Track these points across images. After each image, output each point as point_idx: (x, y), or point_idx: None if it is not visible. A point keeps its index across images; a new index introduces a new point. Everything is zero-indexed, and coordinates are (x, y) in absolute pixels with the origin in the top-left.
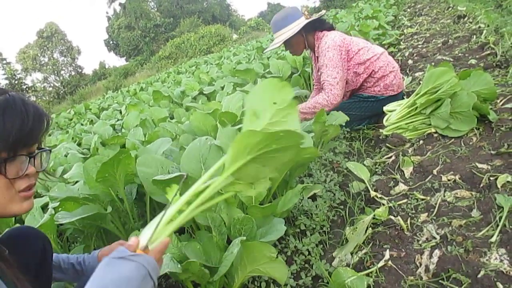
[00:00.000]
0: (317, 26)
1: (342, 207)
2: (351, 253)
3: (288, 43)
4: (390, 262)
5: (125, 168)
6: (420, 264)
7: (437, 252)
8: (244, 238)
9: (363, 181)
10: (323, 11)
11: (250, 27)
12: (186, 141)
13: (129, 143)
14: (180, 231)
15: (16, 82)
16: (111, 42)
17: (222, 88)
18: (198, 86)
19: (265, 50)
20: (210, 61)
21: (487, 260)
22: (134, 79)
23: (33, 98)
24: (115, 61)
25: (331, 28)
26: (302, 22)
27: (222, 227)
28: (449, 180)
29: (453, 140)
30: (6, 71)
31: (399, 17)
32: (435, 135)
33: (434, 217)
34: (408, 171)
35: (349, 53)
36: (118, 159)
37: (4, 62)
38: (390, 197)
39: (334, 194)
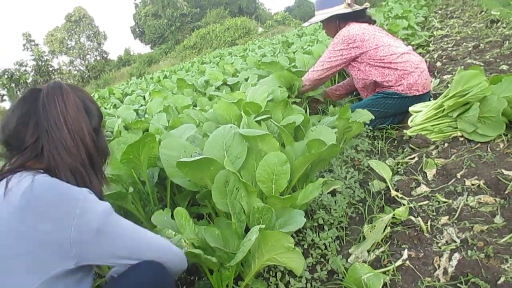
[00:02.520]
0: (353, 17)
1: (361, 204)
2: (368, 251)
3: (323, 24)
4: (407, 262)
5: (149, 151)
6: (439, 266)
7: (456, 256)
8: (263, 226)
9: (384, 180)
10: (367, 4)
11: (276, 21)
12: (210, 129)
13: (153, 128)
14: (198, 217)
15: (43, 63)
16: (137, 30)
17: (246, 80)
18: (222, 76)
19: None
20: (234, 53)
21: (508, 267)
22: (157, 67)
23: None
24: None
25: (368, 21)
26: (338, 10)
27: (242, 215)
28: (473, 184)
29: (479, 145)
30: (34, 53)
31: (430, 19)
32: (461, 139)
33: (456, 221)
34: (431, 173)
35: (363, 47)
36: (143, 142)
37: (33, 43)
38: (411, 198)
39: (354, 191)
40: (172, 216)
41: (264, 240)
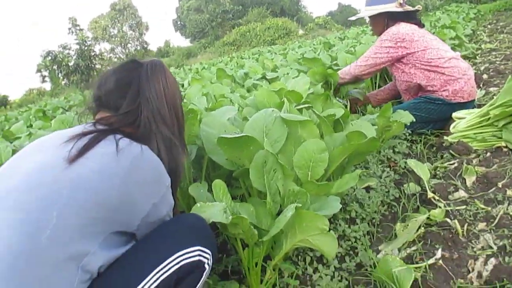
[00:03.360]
0: (403, 17)
1: (394, 203)
2: (399, 249)
3: (371, 21)
4: (440, 261)
5: (189, 128)
6: (473, 269)
7: (492, 261)
8: (300, 205)
9: (419, 183)
10: (419, 7)
11: (318, 24)
12: (249, 114)
13: (194, 108)
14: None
15: (86, 48)
16: (178, 23)
17: (285, 75)
18: (261, 70)
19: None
20: (274, 51)
21: None
22: (195, 60)
23: (98, 66)
24: (180, 41)
25: (418, 24)
26: (389, 7)
27: (277, 196)
28: None
29: None
30: (78, 37)
31: (478, 32)
32: (505, 149)
33: (493, 227)
34: (470, 180)
35: (412, 47)
36: (186, 117)
37: (78, 28)
38: (448, 202)
39: (388, 191)
40: (208, 190)
41: (299, 220)
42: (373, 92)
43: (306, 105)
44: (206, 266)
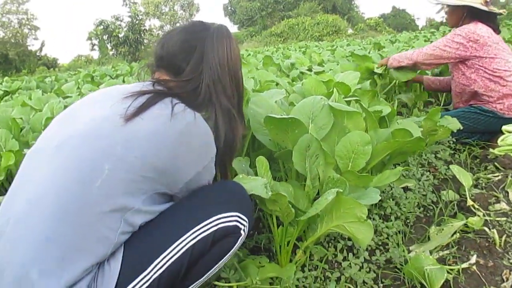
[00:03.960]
0: (483, 17)
1: (431, 207)
2: (431, 251)
3: (448, 10)
4: (474, 267)
5: None
6: (507, 279)
7: None
8: (341, 191)
9: (458, 191)
10: (504, 11)
11: (368, 25)
12: (296, 100)
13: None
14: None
15: (137, 22)
16: (229, 8)
17: (332, 70)
18: (308, 62)
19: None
20: (321, 46)
21: None
22: (241, 47)
23: (146, 41)
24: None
25: (494, 28)
26: (473, 2)
27: (316, 180)
28: None
29: None
30: (131, 10)
31: None
32: None
33: None
34: None
35: (482, 51)
36: None
37: (132, 1)
38: (487, 212)
39: (426, 194)
40: (249, 165)
41: (337, 205)
42: (431, 77)
43: (354, 98)
44: (242, 232)
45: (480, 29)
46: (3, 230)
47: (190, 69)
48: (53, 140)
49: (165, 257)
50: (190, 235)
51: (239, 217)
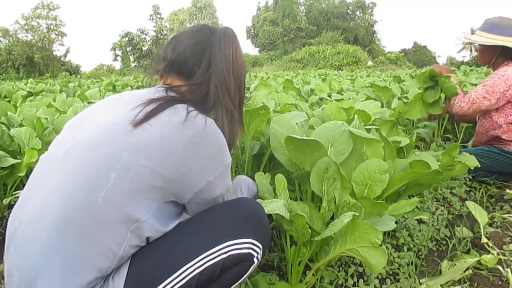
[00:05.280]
0: None
1: (444, 242)
2: (442, 286)
3: (480, 48)
4: None
5: (258, 124)
6: None
7: None
8: (357, 214)
9: (472, 229)
10: None
11: (389, 59)
12: (316, 124)
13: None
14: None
15: (161, 37)
16: (252, 31)
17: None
18: (328, 89)
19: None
20: (341, 75)
21: None
22: (260, 69)
23: None
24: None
25: None
26: (506, 41)
27: (332, 203)
28: None
29: None
30: (157, 25)
31: None
32: None
33: None
34: None
35: None
36: (257, 113)
37: (159, 16)
38: (502, 251)
39: (439, 228)
40: (269, 182)
41: (352, 229)
42: None
43: (374, 127)
44: (255, 260)
45: None
46: (13, 236)
47: (200, 72)
48: (62, 146)
49: (170, 281)
50: (199, 261)
51: (253, 243)
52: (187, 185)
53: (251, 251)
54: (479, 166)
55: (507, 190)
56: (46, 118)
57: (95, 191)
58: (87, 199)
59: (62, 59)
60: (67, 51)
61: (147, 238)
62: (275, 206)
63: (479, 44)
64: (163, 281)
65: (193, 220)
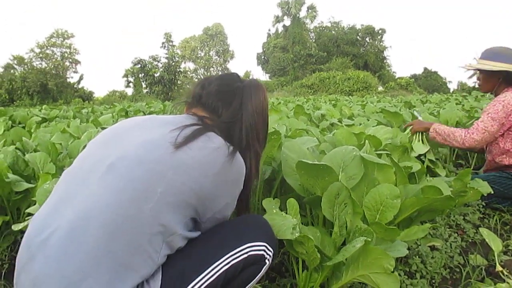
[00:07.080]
0: None
1: (457, 269)
2: None
3: (482, 75)
4: None
5: (269, 149)
6: None
7: None
8: (369, 240)
9: (486, 257)
10: None
11: (399, 84)
12: (327, 149)
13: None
14: None
15: (173, 64)
16: (262, 57)
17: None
18: (338, 115)
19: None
20: (351, 101)
21: None
22: (271, 95)
23: (179, 82)
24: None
25: None
26: (507, 67)
27: (343, 229)
28: None
29: None
30: (169, 52)
31: None
32: None
33: None
34: None
35: None
36: (269, 138)
37: (171, 44)
38: None
39: (453, 256)
40: (279, 207)
41: (364, 254)
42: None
43: (385, 152)
44: (267, 261)
45: None
46: (43, 243)
47: (230, 113)
48: (98, 160)
49: (201, 279)
50: (225, 259)
51: (266, 247)
52: (213, 204)
53: (264, 253)
54: (492, 192)
55: None
56: (60, 144)
57: (144, 203)
58: (137, 209)
59: (75, 86)
60: (81, 78)
61: (177, 248)
62: (283, 223)
63: (481, 73)
64: (195, 279)
65: (214, 228)
